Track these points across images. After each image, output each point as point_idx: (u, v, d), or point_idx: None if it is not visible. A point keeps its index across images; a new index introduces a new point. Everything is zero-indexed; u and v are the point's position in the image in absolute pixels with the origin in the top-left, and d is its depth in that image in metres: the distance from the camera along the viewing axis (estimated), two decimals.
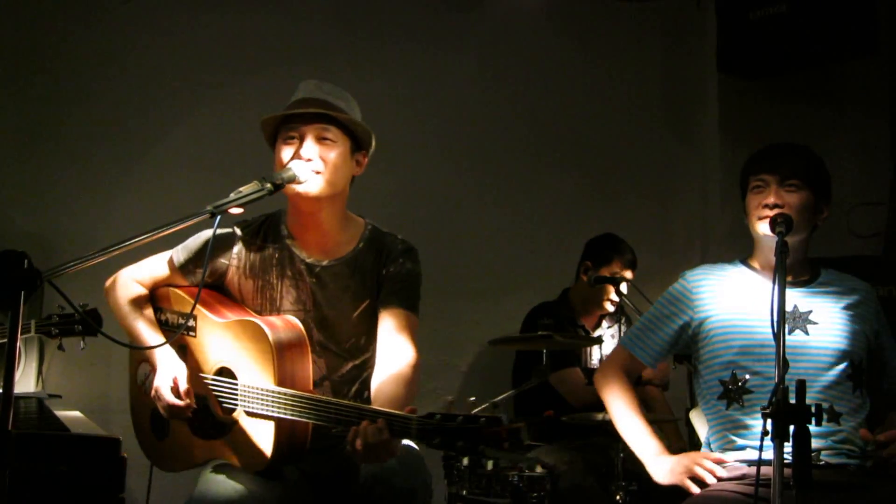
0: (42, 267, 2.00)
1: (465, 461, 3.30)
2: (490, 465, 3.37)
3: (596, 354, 4.26)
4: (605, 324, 4.37)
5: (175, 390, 2.69)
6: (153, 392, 2.71)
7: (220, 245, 2.86)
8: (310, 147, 2.71)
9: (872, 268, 2.82)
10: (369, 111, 4.43)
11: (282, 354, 2.63)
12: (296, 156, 2.70)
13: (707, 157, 5.15)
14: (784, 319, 2.23)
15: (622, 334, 4.23)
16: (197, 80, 4.36)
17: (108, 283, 2.92)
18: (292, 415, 2.56)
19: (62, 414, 2.87)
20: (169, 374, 2.72)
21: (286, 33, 4.52)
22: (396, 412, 2.40)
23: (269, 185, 2.53)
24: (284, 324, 2.73)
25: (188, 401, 2.70)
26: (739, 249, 2.92)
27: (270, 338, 2.62)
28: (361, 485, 2.59)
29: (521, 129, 4.93)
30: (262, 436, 2.60)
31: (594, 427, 3.74)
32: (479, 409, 3.26)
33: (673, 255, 4.99)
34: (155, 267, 2.92)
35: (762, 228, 2.66)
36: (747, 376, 2.65)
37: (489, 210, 4.84)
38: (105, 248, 2.24)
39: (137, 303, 2.88)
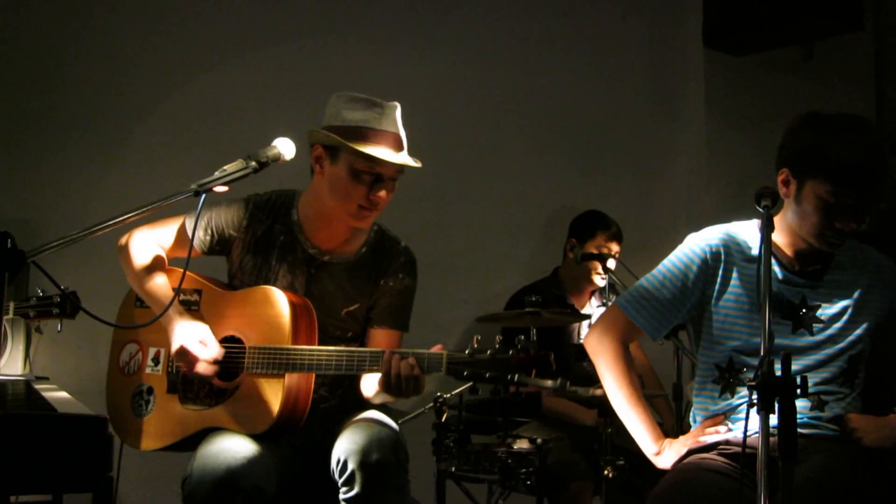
0: (26, 248, 2.00)
1: (452, 440, 3.30)
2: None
3: (585, 332, 4.27)
4: (594, 301, 4.38)
5: (204, 345, 2.72)
6: (176, 351, 2.71)
7: (230, 217, 2.92)
8: (383, 189, 2.80)
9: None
10: (355, 84, 4.42)
11: (296, 315, 2.72)
12: (369, 196, 2.78)
13: (693, 133, 5.16)
14: (770, 290, 2.18)
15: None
16: (178, 61, 4.33)
17: (122, 240, 2.94)
18: (310, 369, 2.67)
19: (50, 395, 2.86)
20: (194, 332, 2.73)
21: (268, 12, 4.49)
22: (426, 351, 2.58)
23: (253, 164, 2.54)
24: (295, 294, 2.83)
25: (219, 353, 2.73)
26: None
27: (286, 300, 2.73)
28: (337, 460, 2.63)
29: (507, 107, 4.92)
30: (269, 398, 2.68)
31: (584, 401, 3.76)
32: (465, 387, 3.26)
33: (659, 232, 4.99)
34: (170, 230, 2.95)
35: (821, 243, 2.52)
36: (744, 370, 2.57)
37: (476, 188, 4.83)
38: (89, 227, 2.24)
39: (154, 266, 2.89)
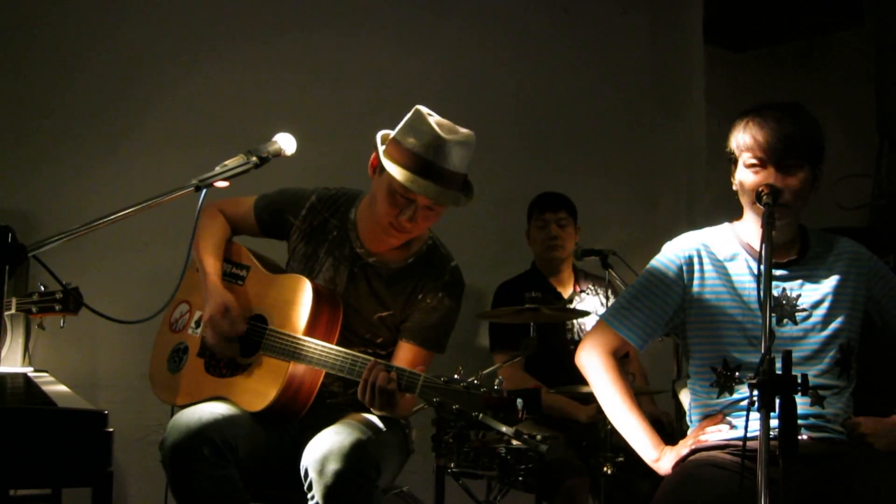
0: (27, 243, 1.99)
1: (452, 436, 3.30)
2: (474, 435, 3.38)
3: (573, 324, 4.25)
4: (578, 288, 4.34)
5: (227, 316, 2.82)
6: (206, 318, 2.85)
7: (292, 203, 3.02)
8: (416, 216, 2.80)
9: (858, 240, 2.78)
10: (356, 78, 4.42)
11: (317, 308, 2.79)
12: (398, 217, 2.79)
13: (693, 128, 5.16)
14: (770, 289, 2.20)
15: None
16: (180, 55, 4.32)
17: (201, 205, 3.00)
18: (311, 362, 2.71)
19: (49, 389, 2.86)
20: (219, 302, 2.84)
21: (270, 5, 4.48)
22: (407, 368, 2.62)
23: (254, 159, 2.54)
24: (328, 290, 2.90)
25: (239, 327, 2.83)
26: (726, 221, 2.89)
27: (312, 293, 2.80)
28: (302, 467, 2.63)
29: (506, 100, 4.91)
30: (271, 381, 2.75)
31: (580, 398, 3.76)
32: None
33: (659, 227, 4.99)
34: (239, 206, 3.08)
35: (759, 217, 2.52)
36: (740, 367, 2.58)
37: (473, 184, 4.81)
38: (89, 222, 2.24)
39: (213, 238, 3.01)
